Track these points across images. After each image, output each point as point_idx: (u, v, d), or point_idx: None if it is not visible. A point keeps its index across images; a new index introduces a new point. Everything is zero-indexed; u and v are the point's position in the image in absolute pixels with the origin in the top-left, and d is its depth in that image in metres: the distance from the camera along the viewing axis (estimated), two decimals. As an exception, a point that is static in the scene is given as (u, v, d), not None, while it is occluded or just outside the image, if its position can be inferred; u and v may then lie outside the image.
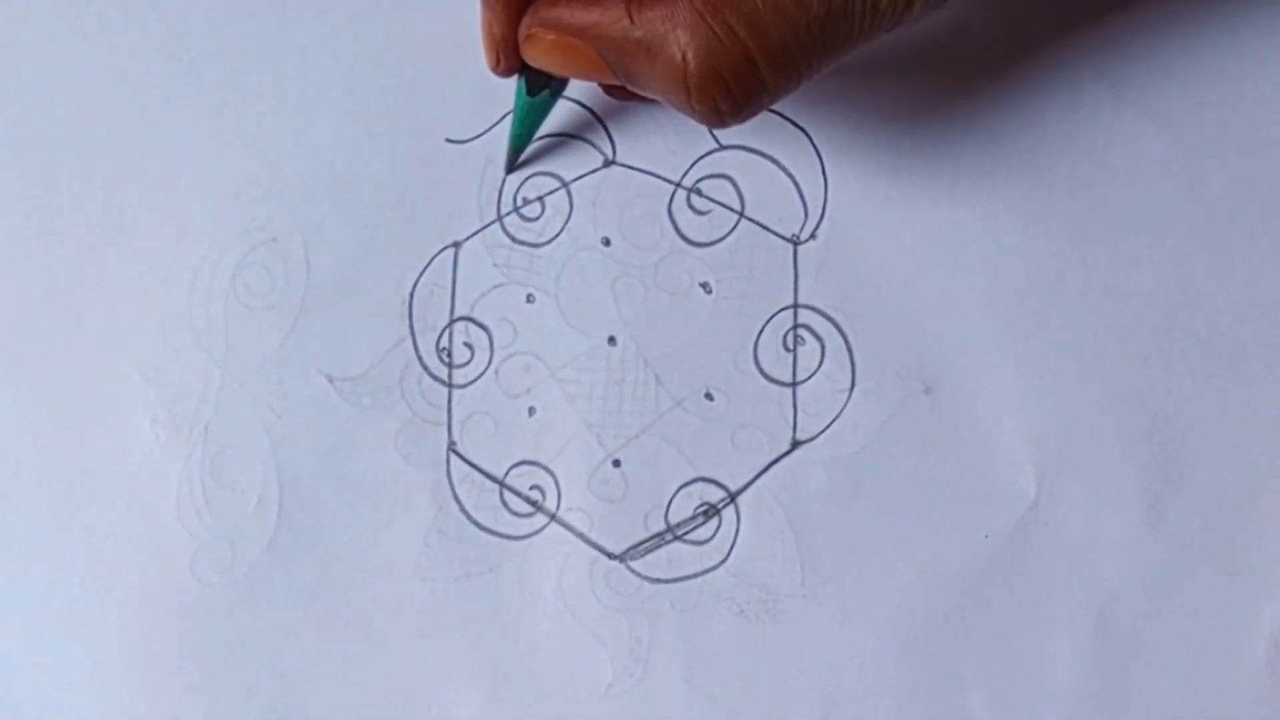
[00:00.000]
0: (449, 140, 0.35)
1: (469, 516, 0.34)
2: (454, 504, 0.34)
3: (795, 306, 0.34)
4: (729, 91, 0.29)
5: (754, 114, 0.29)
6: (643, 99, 0.32)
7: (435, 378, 0.35)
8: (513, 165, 0.34)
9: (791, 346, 0.34)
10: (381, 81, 0.35)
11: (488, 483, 0.34)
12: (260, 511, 0.34)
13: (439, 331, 0.35)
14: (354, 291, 0.35)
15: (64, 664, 0.34)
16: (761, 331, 0.34)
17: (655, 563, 0.34)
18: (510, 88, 0.33)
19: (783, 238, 0.34)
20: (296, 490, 0.34)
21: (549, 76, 0.32)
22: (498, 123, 0.35)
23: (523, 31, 0.31)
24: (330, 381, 0.34)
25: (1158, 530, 0.34)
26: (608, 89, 0.33)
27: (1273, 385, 0.34)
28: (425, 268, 0.35)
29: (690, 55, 0.28)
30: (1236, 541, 0.34)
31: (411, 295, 0.34)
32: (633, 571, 0.34)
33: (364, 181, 0.35)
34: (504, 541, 0.34)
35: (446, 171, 0.35)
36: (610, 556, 0.34)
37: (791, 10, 0.28)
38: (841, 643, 0.34)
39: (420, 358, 0.35)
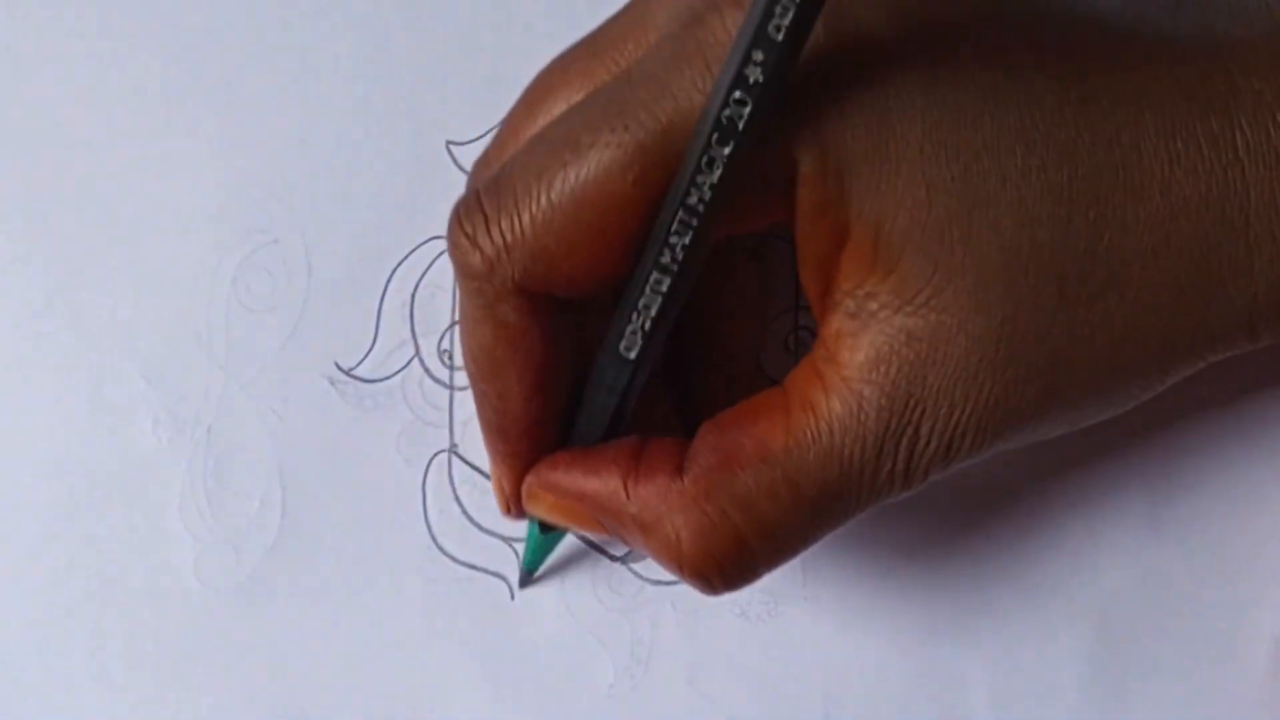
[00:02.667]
0: (450, 142, 0.35)
1: (470, 518, 0.34)
2: (455, 506, 0.34)
3: (796, 309, 0.34)
4: (722, 570, 0.28)
5: (749, 584, 0.29)
6: None
7: (436, 380, 0.35)
8: (525, 584, 0.34)
9: (793, 348, 0.34)
10: (382, 82, 0.35)
11: (489, 484, 0.34)
12: (263, 513, 0.34)
13: (440, 333, 0.35)
14: (355, 293, 0.35)
15: (66, 666, 0.34)
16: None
17: (656, 564, 0.34)
18: (510, 93, 0.33)
19: (784, 240, 0.34)
20: (299, 492, 0.34)
21: None
22: (498, 124, 0.35)
23: (525, 489, 0.31)
24: (332, 384, 0.34)
25: (1159, 531, 0.34)
26: None
27: (1274, 385, 0.34)
28: (426, 269, 0.35)
29: (684, 537, 0.28)
30: (1238, 542, 0.34)
31: (413, 297, 0.34)
32: (634, 573, 0.34)
33: (365, 183, 0.35)
34: (505, 543, 0.34)
35: (447, 173, 0.35)
36: (611, 558, 0.34)
37: (784, 495, 0.27)
38: (843, 643, 0.34)
39: (421, 360, 0.35)
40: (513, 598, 0.34)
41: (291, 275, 0.35)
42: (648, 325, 0.28)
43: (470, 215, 0.28)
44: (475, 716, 0.34)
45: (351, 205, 0.35)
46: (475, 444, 0.34)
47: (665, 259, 0.27)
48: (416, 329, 0.35)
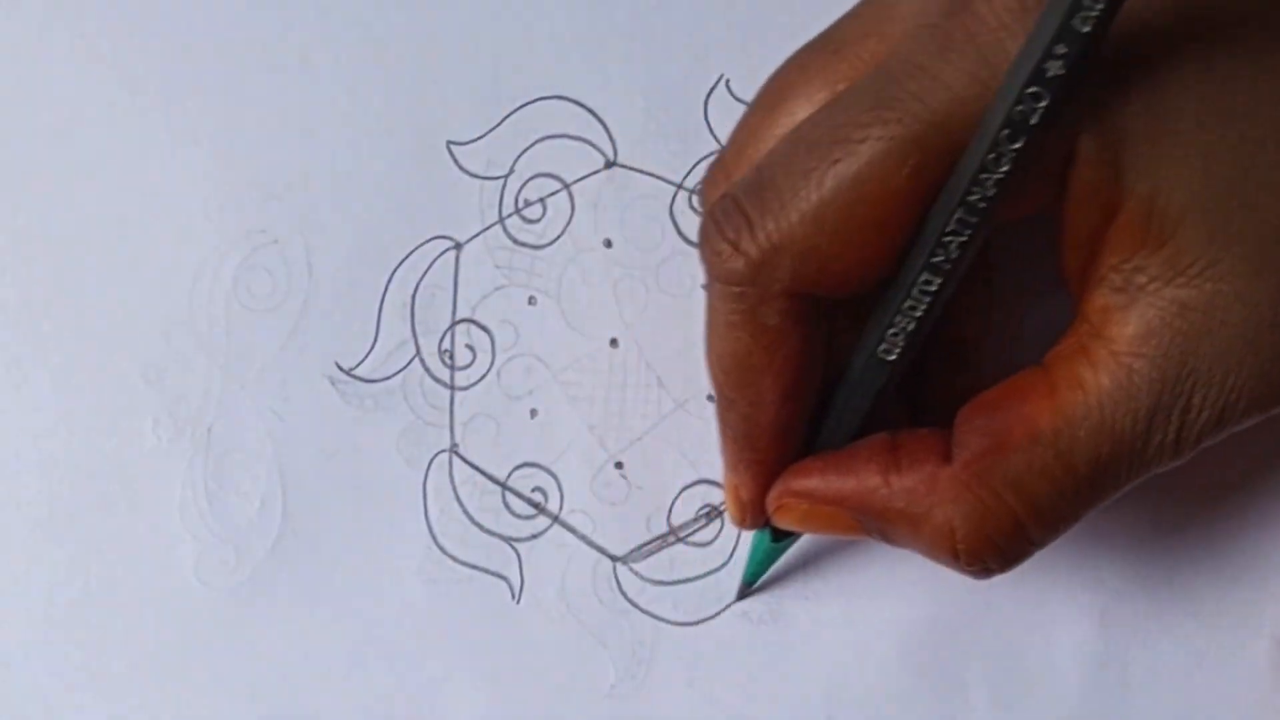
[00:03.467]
0: (450, 142, 0.35)
1: (471, 518, 0.34)
2: (456, 506, 0.34)
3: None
4: (1000, 553, 0.28)
5: (1021, 563, 0.29)
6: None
7: (437, 380, 0.35)
8: (743, 596, 0.34)
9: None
10: (382, 83, 0.35)
11: (490, 485, 0.34)
12: (264, 514, 0.34)
13: (441, 333, 0.35)
14: (355, 293, 0.34)
15: (66, 666, 0.34)
16: (763, 333, 0.34)
17: (658, 565, 0.34)
18: (510, 93, 0.34)
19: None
20: (299, 493, 0.34)
21: None
22: (499, 124, 0.35)
23: (773, 501, 0.30)
24: (332, 384, 0.34)
25: (1160, 530, 0.34)
26: None
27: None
28: (427, 270, 0.34)
29: (958, 524, 0.28)
30: (1238, 542, 0.34)
31: (413, 297, 0.34)
32: (635, 573, 0.34)
33: (365, 183, 0.35)
34: (506, 543, 0.34)
35: (448, 173, 0.35)
36: (613, 558, 0.34)
37: (1058, 473, 0.27)
38: (844, 644, 0.34)
39: (422, 360, 0.35)
40: (515, 599, 0.34)
41: (291, 275, 0.35)
42: (911, 327, 0.27)
43: (730, 219, 0.28)
44: (475, 716, 0.34)
45: (351, 205, 0.35)
46: (476, 444, 0.34)
47: (938, 258, 0.26)
48: (417, 329, 0.35)
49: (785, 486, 0.30)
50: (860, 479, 0.29)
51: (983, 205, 0.26)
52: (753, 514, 0.31)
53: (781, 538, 0.32)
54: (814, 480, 0.29)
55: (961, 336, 0.32)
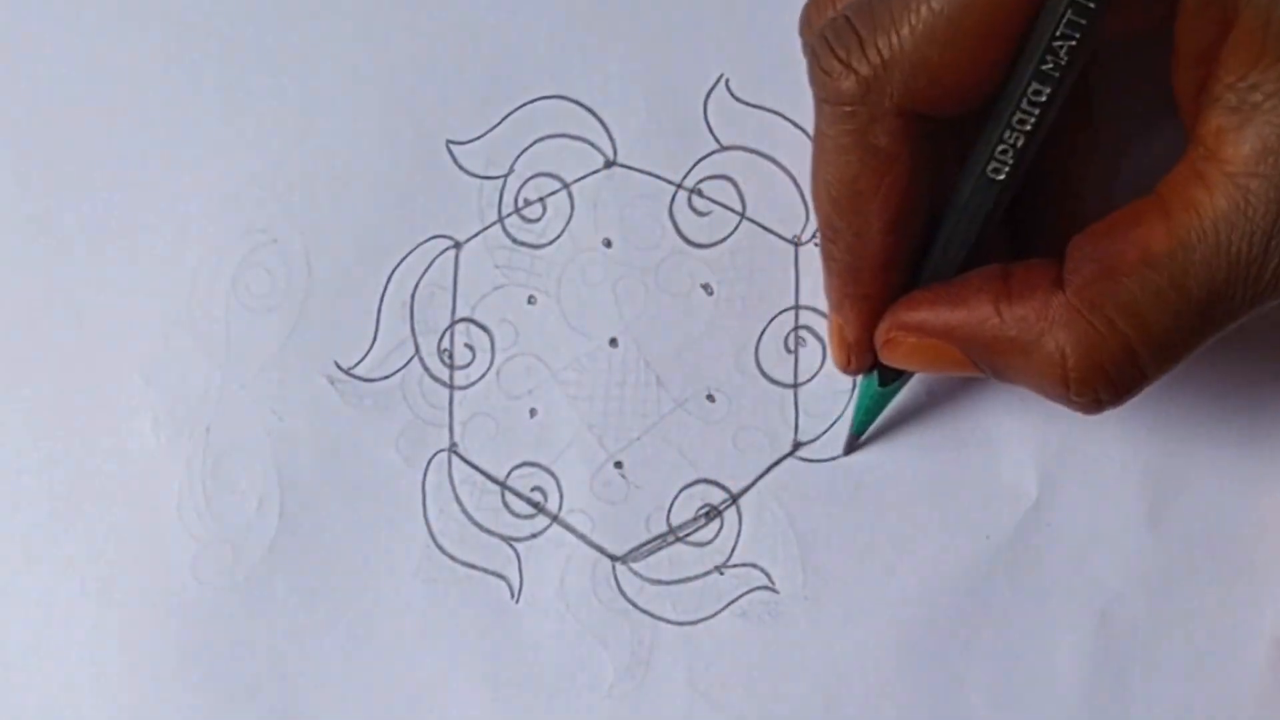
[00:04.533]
0: (450, 141, 0.35)
1: (470, 518, 0.34)
2: (455, 505, 0.34)
3: (797, 308, 0.34)
4: (1110, 383, 0.28)
5: (1132, 397, 0.28)
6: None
7: (436, 379, 0.35)
8: (851, 449, 0.34)
9: (793, 348, 0.34)
10: (382, 82, 0.35)
11: (489, 484, 0.34)
12: (261, 513, 0.34)
13: (440, 333, 0.35)
14: (355, 293, 0.35)
15: (65, 666, 0.34)
16: (763, 333, 0.34)
17: (657, 564, 0.34)
18: (510, 93, 0.34)
19: (784, 239, 0.34)
20: (298, 492, 0.34)
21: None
22: (498, 124, 0.35)
23: (881, 336, 0.30)
24: (331, 383, 0.34)
25: (1159, 531, 0.34)
26: None
27: (1274, 385, 0.34)
28: (426, 269, 0.35)
29: (1069, 352, 0.27)
30: (1238, 542, 0.34)
31: (413, 296, 0.34)
32: (634, 573, 0.34)
33: (365, 182, 0.35)
34: (505, 543, 0.34)
35: (447, 172, 0.35)
36: (612, 558, 0.34)
37: (1172, 298, 0.27)
38: (843, 644, 0.34)
39: (421, 359, 0.35)
40: (514, 598, 0.34)
41: (291, 274, 0.35)
42: (1020, 143, 0.27)
43: (842, 38, 0.28)
44: (475, 716, 0.34)
45: (351, 205, 0.35)
46: (475, 443, 0.34)
47: (1048, 65, 0.26)
48: (416, 328, 0.35)
49: (894, 319, 0.30)
50: (971, 309, 0.28)
51: (1092, 5, 0.25)
52: (858, 355, 0.31)
53: (890, 380, 0.32)
54: (923, 312, 0.29)
55: (1065, 169, 0.31)
